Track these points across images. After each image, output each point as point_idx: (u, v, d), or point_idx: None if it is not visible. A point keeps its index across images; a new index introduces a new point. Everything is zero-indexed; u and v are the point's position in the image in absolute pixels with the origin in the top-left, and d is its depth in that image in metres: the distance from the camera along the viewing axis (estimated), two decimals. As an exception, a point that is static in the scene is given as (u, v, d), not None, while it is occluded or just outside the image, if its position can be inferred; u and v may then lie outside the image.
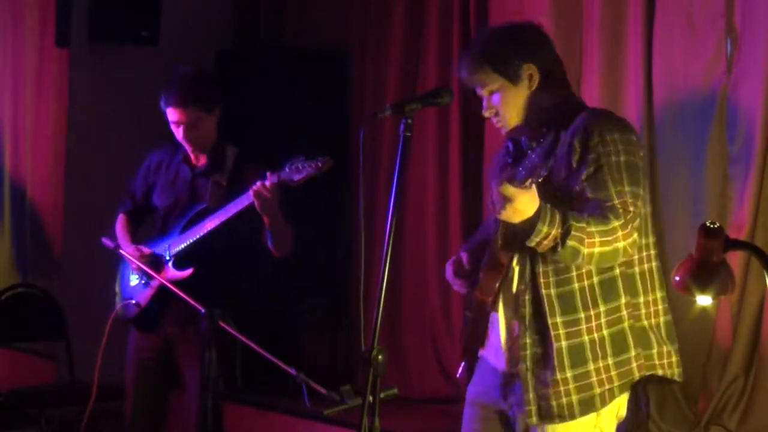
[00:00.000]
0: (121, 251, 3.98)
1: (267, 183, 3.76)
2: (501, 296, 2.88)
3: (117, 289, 4.31)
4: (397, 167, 2.66)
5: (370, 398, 2.55)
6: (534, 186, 2.57)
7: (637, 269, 2.82)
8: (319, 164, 3.68)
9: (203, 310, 3.38)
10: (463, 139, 5.66)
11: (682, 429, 4.67)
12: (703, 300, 2.40)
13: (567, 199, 2.73)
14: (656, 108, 4.81)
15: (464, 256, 2.98)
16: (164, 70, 5.80)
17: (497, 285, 2.87)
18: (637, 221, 2.72)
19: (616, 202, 2.69)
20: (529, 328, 2.81)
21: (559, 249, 2.64)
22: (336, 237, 6.23)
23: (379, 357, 2.54)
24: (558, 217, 2.62)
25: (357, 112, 6.15)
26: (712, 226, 2.33)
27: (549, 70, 2.87)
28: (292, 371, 3.17)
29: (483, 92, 2.89)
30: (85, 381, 5.18)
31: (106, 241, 4.05)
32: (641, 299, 2.82)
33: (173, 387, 4.20)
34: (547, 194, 2.67)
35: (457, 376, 3.08)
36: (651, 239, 2.84)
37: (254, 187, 3.78)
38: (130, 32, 6.11)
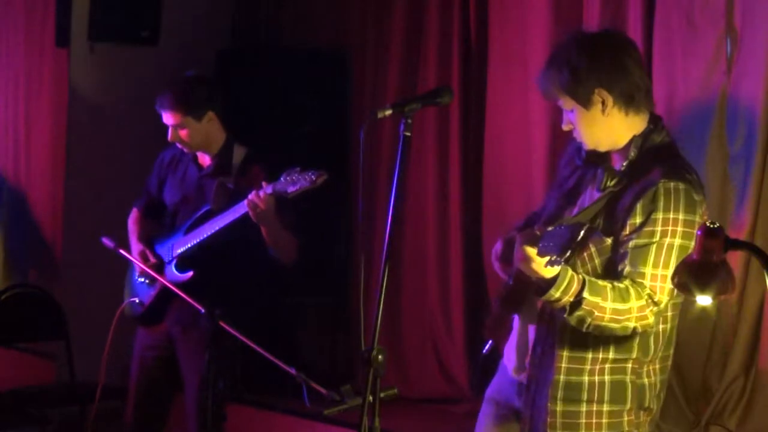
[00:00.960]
0: (120, 252, 3.98)
1: (261, 194, 3.76)
2: (525, 305, 2.86)
3: (126, 285, 4.31)
4: (397, 167, 2.65)
5: (370, 398, 2.55)
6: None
7: (655, 330, 2.75)
8: (314, 177, 3.67)
9: (203, 310, 3.39)
10: (463, 139, 5.66)
11: (682, 429, 4.67)
12: (703, 300, 2.40)
13: (606, 251, 2.69)
14: (656, 108, 4.80)
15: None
16: (164, 70, 5.81)
17: (521, 304, 2.86)
18: (662, 306, 2.67)
19: (648, 284, 2.64)
20: (534, 351, 2.82)
21: (566, 315, 2.63)
22: (336, 237, 6.23)
23: (379, 357, 2.54)
24: (574, 286, 2.59)
25: (357, 112, 6.15)
26: (712, 226, 2.32)
27: (629, 96, 2.73)
28: (292, 371, 3.17)
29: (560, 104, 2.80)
30: (84, 381, 5.19)
31: (106, 241, 4.06)
32: (649, 358, 2.77)
33: (175, 388, 4.20)
34: (591, 235, 2.64)
35: (483, 352, 3.05)
36: (681, 299, 2.77)
37: (248, 198, 3.78)
38: (130, 32, 6.11)
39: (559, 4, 5.14)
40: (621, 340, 2.72)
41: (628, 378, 2.75)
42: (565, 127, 2.81)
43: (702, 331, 4.66)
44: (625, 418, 2.76)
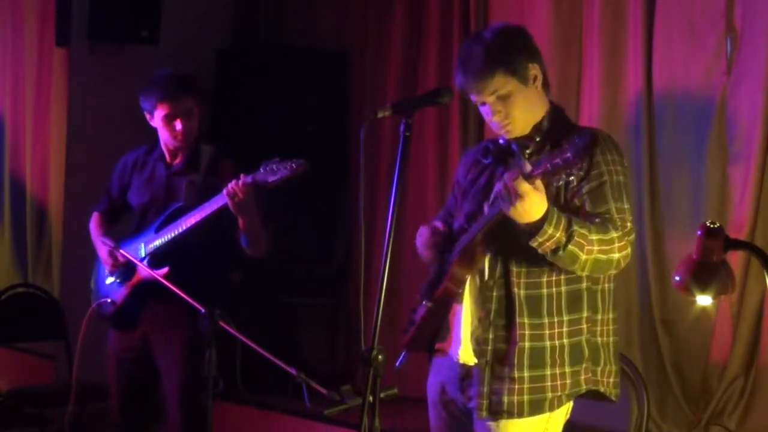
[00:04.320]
0: (121, 251, 3.97)
1: (240, 183, 3.73)
2: (468, 288, 2.89)
3: (92, 286, 4.28)
4: (397, 167, 2.66)
5: (370, 398, 2.56)
6: (543, 187, 2.58)
7: (601, 287, 2.86)
8: (294, 166, 3.63)
9: (203, 310, 3.38)
10: (463, 139, 5.66)
11: (682, 429, 4.67)
12: (703, 300, 2.40)
13: (565, 209, 2.74)
14: (656, 108, 4.81)
15: (440, 225, 2.99)
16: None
17: (468, 277, 2.88)
18: (632, 236, 2.77)
19: (616, 216, 2.74)
20: (493, 324, 2.84)
21: (560, 253, 2.65)
22: (336, 237, 6.23)
23: (379, 357, 2.55)
24: (564, 221, 2.64)
25: (357, 112, 6.15)
26: (712, 226, 2.33)
27: (544, 73, 2.90)
28: (292, 371, 3.17)
29: (487, 98, 2.85)
30: (84, 381, 5.19)
31: (106, 241, 4.05)
32: (599, 316, 2.86)
33: (157, 383, 4.15)
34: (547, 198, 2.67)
35: (397, 365, 3.09)
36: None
37: (227, 188, 3.75)
38: (130, 32, 6.11)
39: (559, 4, 5.15)
40: (571, 299, 2.81)
41: (584, 338, 2.83)
42: (496, 117, 2.85)
43: (702, 331, 4.67)
44: (583, 377, 2.83)
